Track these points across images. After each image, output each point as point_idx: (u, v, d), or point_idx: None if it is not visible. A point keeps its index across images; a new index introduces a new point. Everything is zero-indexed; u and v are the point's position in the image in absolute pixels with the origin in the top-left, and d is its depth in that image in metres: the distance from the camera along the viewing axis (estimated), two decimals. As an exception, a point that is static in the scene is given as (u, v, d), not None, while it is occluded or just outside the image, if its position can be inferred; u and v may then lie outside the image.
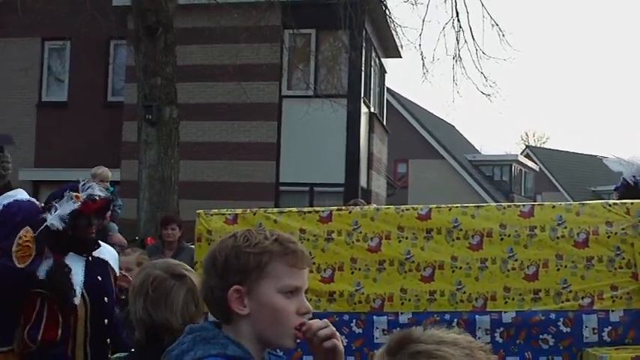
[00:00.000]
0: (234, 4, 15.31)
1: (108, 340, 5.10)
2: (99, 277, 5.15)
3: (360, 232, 5.57)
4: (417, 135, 34.80)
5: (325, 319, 2.36)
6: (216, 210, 5.90)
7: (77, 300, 4.93)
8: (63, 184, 5.25)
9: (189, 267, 3.44)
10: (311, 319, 2.35)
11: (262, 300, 2.26)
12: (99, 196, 5.17)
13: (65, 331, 4.88)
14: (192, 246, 6.93)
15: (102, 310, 5.10)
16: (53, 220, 4.90)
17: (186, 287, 3.26)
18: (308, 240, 5.55)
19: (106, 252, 5.40)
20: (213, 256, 2.33)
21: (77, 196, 5.04)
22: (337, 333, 2.34)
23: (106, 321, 5.08)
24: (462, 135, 46.99)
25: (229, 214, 5.78)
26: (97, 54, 19.13)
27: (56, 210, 4.95)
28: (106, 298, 5.15)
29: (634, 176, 6.12)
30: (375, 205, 8.62)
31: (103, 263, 5.28)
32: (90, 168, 10.47)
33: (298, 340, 2.32)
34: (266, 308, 2.27)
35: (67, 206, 4.98)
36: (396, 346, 1.86)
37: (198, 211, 5.85)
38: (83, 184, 5.15)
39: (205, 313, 3.17)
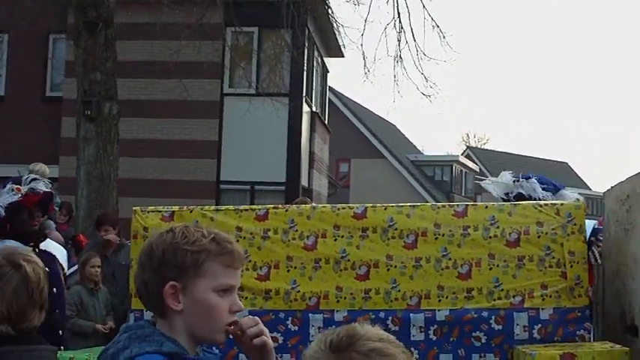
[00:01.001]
0: (176, 0, 15.22)
1: (60, 331, 5.23)
2: (46, 269, 5.16)
3: (297, 231, 5.61)
4: (359, 134, 34.96)
5: (254, 317, 2.41)
6: (152, 207, 5.89)
7: None
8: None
9: (33, 257, 3.37)
10: (246, 316, 2.41)
11: (197, 297, 2.30)
12: (41, 189, 5.33)
13: None
14: (132, 243, 6.89)
15: (52, 300, 5.11)
16: None
17: (20, 276, 3.20)
18: (244, 238, 5.57)
19: (54, 248, 5.60)
20: (150, 250, 2.34)
21: (19, 189, 5.20)
22: (266, 330, 2.39)
23: (57, 310, 5.18)
24: (404, 135, 47.34)
25: (166, 211, 5.77)
26: (35, 48, 18.83)
27: None
28: (55, 289, 5.22)
29: (506, 193, 6.40)
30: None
31: (51, 257, 5.36)
32: (27, 164, 10.31)
33: (230, 336, 2.36)
34: (200, 305, 2.30)
35: (6, 197, 5.15)
36: (345, 342, 1.87)
37: (134, 208, 5.83)
38: (26, 178, 5.34)
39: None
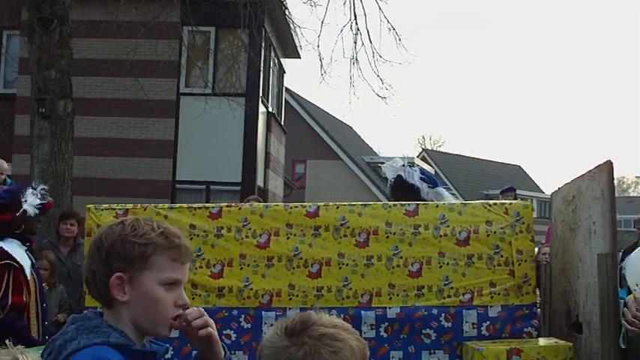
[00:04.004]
0: (133, -2, 15.15)
1: (46, 322, 5.80)
2: (36, 266, 6.02)
3: (250, 229, 5.66)
4: (315, 136, 35.02)
5: (199, 309, 2.45)
6: (106, 205, 5.89)
7: (29, 275, 5.70)
8: None
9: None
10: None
11: (142, 289, 2.34)
12: (49, 198, 6.14)
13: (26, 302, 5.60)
14: (87, 242, 6.91)
15: (42, 294, 5.90)
16: (28, 207, 5.77)
17: None
18: (198, 236, 5.61)
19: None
20: (99, 241, 2.38)
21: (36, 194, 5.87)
22: (211, 321, 2.44)
23: (44, 305, 5.85)
24: (360, 137, 47.50)
25: (120, 208, 5.78)
26: (-12, 44, 18.62)
27: (26, 200, 5.79)
28: (44, 284, 6.04)
29: (399, 175, 6.58)
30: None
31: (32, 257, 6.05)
32: (-21, 162, 10.20)
33: (174, 330, 2.41)
34: (145, 298, 2.34)
35: (33, 199, 5.83)
36: (299, 327, 1.95)
37: (88, 206, 5.84)
38: (36, 184, 6.09)
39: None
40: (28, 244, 5.95)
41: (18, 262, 5.67)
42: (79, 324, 2.33)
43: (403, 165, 6.63)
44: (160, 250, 2.35)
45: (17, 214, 5.77)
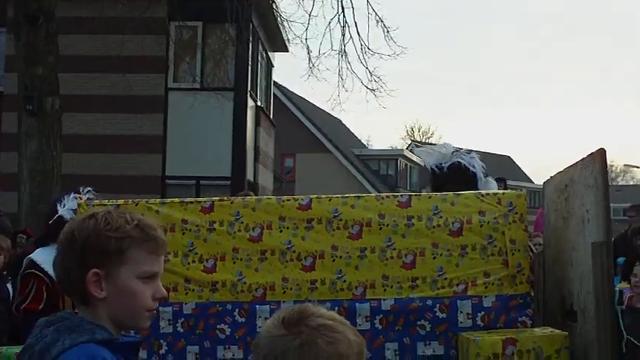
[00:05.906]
0: (119, -7, 15.08)
1: None
2: None
3: (242, 223, 5.62)
4: (304, 129, 35.01)
5: None
6: (98, 201, 5.87)
7: None
8: None
9: None
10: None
11: (120, 285, 2.27)
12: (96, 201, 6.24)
13: (49, 307, 5.63)
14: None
15: None
16: (64, 212, 5.98)
17: None
18: (190, 230, 5.57)
19: None
20: (71, 236, 2.29)
21: (80, 197, 6.12)
22: None
23: None
24: (349, 129, 47.51)
25: (111, 204, 5.74)
26: (-26, 42, 18.50)
27: (64, 205, 6.04)
28: None
29: (439, 163, 6.37)
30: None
31: None
32: (-34, 160, 10.15)
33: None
34: (123, 293, 2.28)
35: (72, 203, 6.06)
36: (296, 317, 1.92)
37: (79, 202, 5.81)
38: (83, 190, 6.31)
39: None
40: None
41: (44, 272, 5.88)
42: (58, 325, 2.25)
43: (456, 151, 6.36)
44: (136, 244, 2.28)
45: (50, 221, 5.97)
